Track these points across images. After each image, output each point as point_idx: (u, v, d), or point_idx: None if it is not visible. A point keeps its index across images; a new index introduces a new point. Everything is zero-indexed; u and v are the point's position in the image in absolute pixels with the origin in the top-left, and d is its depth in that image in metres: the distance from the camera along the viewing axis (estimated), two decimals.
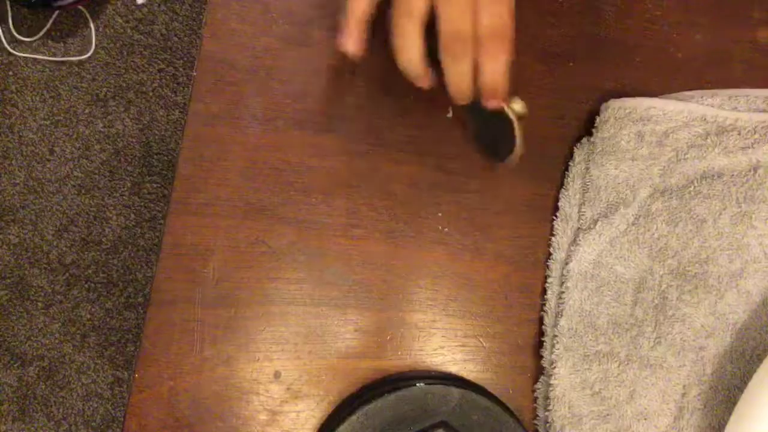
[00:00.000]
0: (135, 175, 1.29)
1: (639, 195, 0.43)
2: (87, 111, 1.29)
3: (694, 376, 0.42)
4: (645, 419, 0.41)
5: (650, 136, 0.43)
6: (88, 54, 1.29)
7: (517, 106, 0.41)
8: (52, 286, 1.26)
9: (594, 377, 0.42)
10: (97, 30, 1.30)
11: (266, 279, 0.42)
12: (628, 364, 0.42)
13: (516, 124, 0.42)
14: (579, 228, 0.44)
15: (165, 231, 0.42)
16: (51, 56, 1.29)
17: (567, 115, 0.46)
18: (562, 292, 0.43)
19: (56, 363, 1.26)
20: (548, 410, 0.42)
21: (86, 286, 1.27)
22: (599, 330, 0.42)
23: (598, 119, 0.44)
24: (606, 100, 0.44)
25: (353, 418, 0.39)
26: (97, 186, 1.28)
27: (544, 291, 0.44)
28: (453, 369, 0.43)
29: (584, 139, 0.45)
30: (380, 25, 0.40)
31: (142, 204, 1.29)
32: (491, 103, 0.39)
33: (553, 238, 0.44)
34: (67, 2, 1.21)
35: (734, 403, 0.39)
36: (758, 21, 0.48)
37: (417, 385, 0.40)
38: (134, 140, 1.30)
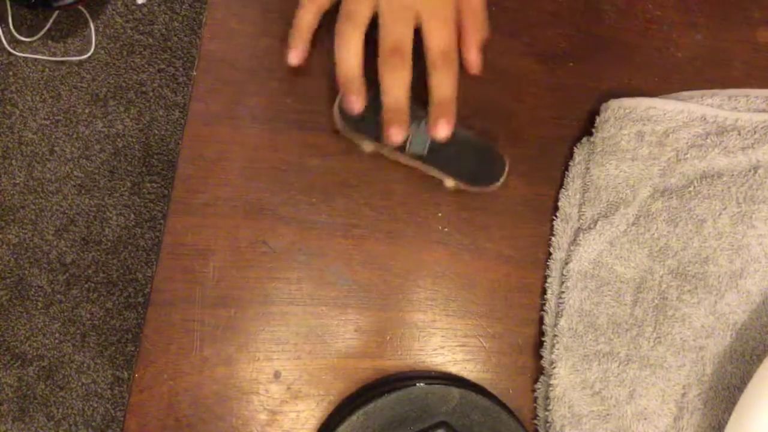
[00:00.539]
0: (135, 175, 1.29)
1: (639, 195, 0.43)
2: (87, 111, 1.29)
3: (694, 376, 0.42)
4: (645, 419, 0.41)
5: (650, 136, 0.43)
6: (88, 54, 1.29)
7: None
8: (52, 286, 1.26)
9: (594, 377, 0.42)
10: (97, 30, 1.30)
11: (266, 279, 0.42)
12: (628, 364, 0.42)
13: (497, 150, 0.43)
14: (579, 228, 0.44)
15: (165, 231, 0.42)
16: (51, 56, 1.29)
17: (567, 115, 0.46)
18: (562, 292, 0.43)
19: (56, 363, 1.26)
20: (548, 410, 0.42)
21: (86, 286, 1.27)
22: (599, 330, 0.42)
23: (598, 119, 0.44)
24: (606, 100, 0.44)
25: (353, 418, 0.39)
26: (97, 186, 1.28)
27: (544, 291, 0.44)
28: (453, 369, 0.43)
29: (584, 139, 0.45)
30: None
31: (142, 204, 1.29)
32: (440, 129, 0.40)
33: (553, 238, 0.44)
34: (67, 2, 1.21)
35: (734, 403, 0.39)
36: (758, 21, 0.48)
37: (417, 385, 0.40)
38: (134, 140, 1.30)
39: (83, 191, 1.28)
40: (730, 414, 0.40)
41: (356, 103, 0.41)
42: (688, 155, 0.43)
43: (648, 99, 0.43)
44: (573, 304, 0.42)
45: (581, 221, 0.44)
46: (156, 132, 1.30)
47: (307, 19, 0.43)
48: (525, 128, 0.46)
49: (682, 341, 0.41)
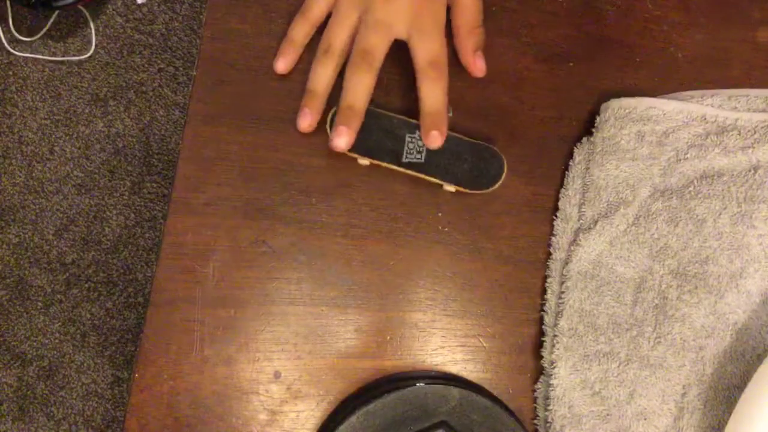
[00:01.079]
0: (135, 174, 1.29)
1: (639, 195, 0.43)
2: (87, 111, 1.29)
3: (694, 376, 0.42)
4: (645, 419, 0.41)
5: (650, 135, 0.43)
6: (88, 54, 1.29)
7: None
8: (52, 286, 1.26)
9: (594, 377, 0.42)
10: (97, 30, 1.30)
11: (266, 279, 0.42)
12: (628, 364, 0.42)
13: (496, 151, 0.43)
14: (579, 228, 0.44)
15: (165, 231, 0.42)
16: (51, 56, 1.29)
17: (567, 115, 0.46)
18: (562, 292, 0.43)
19: (56, 363, 1.26)
20: (548, 410, 0.42)
21: (86, 285, 1.27)
22: (599, 330, 0.42)
23: (598, 119, 0.44)
24: (606, 100, 0.44)
25: (353, 418, 0.39)
26: (97, 186, 1.28)
27: (544, 291, 0.44)
28: (453, 369, 0.43)
29: (584, 139, 0.45)
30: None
31: (142, 204, 1.29)
32: (432, 140, 0.41)
33: (553, 238, 0.44)
34: (67, 2, 1.21)
35: (734, 403, 0.39)
36: (758, 21, 0.48)
37: (417, 385, 0.40)
38: (134, 140, 1.30)
39: (83, 191, 1.28)
40: (730, 414, 0.40)
41: (307, 116, 0.42)
42: (688, 155, 0.43)
43: (648, 99, 0.43)
44: (573, 304, 0.42)
45: (581, 221, 0.44)
46: (156, 132, 1.30)
47: (300, 31, 0.44)
48: (525, 128, 0.46)
49: (682, 341, 0.41)
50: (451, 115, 0.43)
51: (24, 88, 1.28)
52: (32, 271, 1.26)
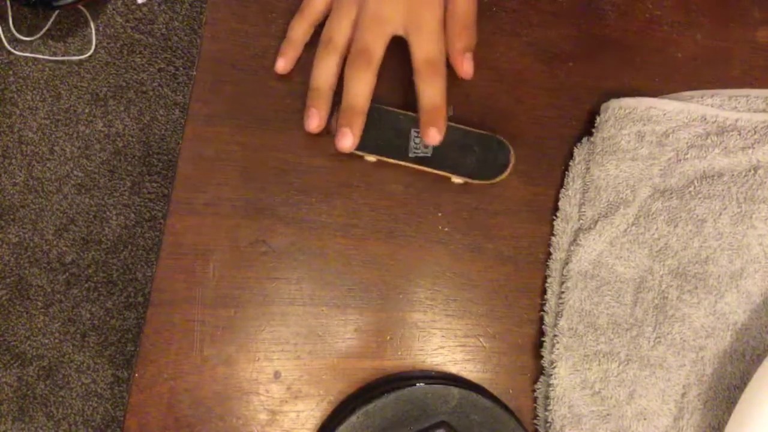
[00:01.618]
0: (135, 174, 1.29)
1: (639, 195, 0.43)
2: (87, 110, 1.29)
3: (694, 376, 0.42)
4: (645, 419, 0.41)
5: (650, 136, 0.43)
6: (88, 53, 1.29)
7: (449, 111, 0.43)
8: (52, 285, 1.26)
9: (594, 377, 0.42)
10: (97, 29, 1.30)
11: (266, 279, 0.42)
12: (628, 364, 0.42)
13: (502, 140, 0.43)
14: (579, 228, 0.44)
15: (165, 231, 0.42)
16: (51, 56, 1.29)
17: (567, 115, 0.46)
18: (562, 292, 0.43)
19: (56, 363, 1.26)
20: (548, 410, 0.42)
21: (86, 285, 1.27)
22: (599, 330, 0.42)
23: (598, 119, 0.44)
24: (606, 100, 0.44)
25: (353, 418, 0.39)
26: (97, 186, 1.28)
27: (544, 291, 0.44)
28: (453, 369, 0.43)
29: (584, 139, 0.45)
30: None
31: (142, 204, 1.29)
32: (431, 137, 0.41)
33: (553, 238, 0.44)
34: (68, 2, 1.21)
35: (734, 403, 0.39)
36: (758, 21, 0.48)
37: (417, 385, 0.40)
38: (134, 140, 1.30)
39: (83, 191, 1.28)
40: (730, 414, 0.40)
41: (314, 116, 0.42)
42: (688, 155, 0.43)
43: (648, 99, 0.43)
44: (573, 304, 0.42)
45: (581, 221, 0.44)
46: (156, 131, 1.30)
47: (299, 30, 0.44)
48: (525, 128, 0.46)
49: (682, 341, 0.41)
50: (452, 113, 0.43)
51: (24, 87, 1.28)
52: (32, 271, 1.26)
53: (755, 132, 0.42)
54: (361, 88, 0.41)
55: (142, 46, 1.30)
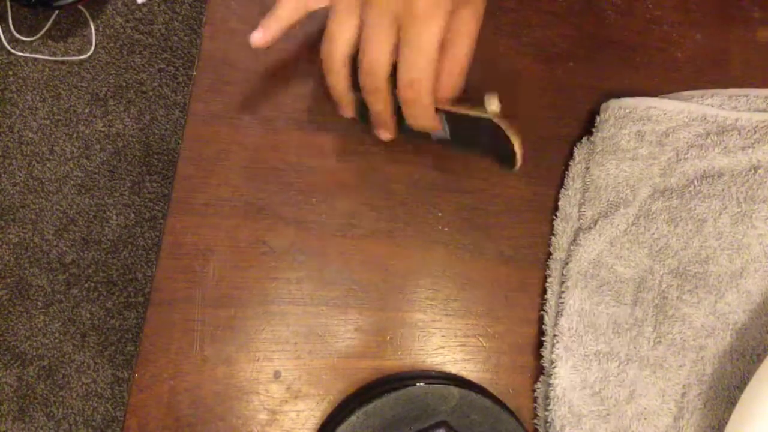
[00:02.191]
0: (135, 174, 1.29)
1: (639, 195, 0.43)
2: (87, 111, 1.29)
3: (694, 376, 0.42)
4: (645, 419, 0.41)
5: (650, 135, 0.43)
6: (88, 54, 1.29)
7: (494, 105, 0.39)
8: (52, 285, 1.26)
9: (594, 377, 0.42)
10: (97, 30, 1.30)
11: (266, 279, 0.42)
12: (628, 364, 0.42)
13: (507, 127, 0.40)
14: (579, 228, 0.44)
15: (165, 231, 0.42)
16: (51, 56, 1.29)
17: (567, 115, 0.46)
18: (562, 292, 0.43)
19: (56, 363, 1.26)
20: (548, 410, 0.42)
21: (86, 285, 1.27)
22: (599, 330, 0.42)
23: (598, 119, 0.44)
24: (606, 100, 0.44)
25: (353, 418, 0.39)
26: (97, 186, 1.28)
27: (544, 291, 0.44)
28: (453, 369, 0.43)
29: (584, 139, 0.45)
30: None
31: (142, 204, 1.29)
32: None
33: (553, 238, 0.44)
34: (67, 2, 1.21)
35: (734, 403, 0.39)
36: (758, 21, 0.48)
37: (417, 385, 0.40)
38: (134, 140, 1.30)
39: (83, 191, 1.28)
40: (730, 414, 0.40)
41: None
42: (689, 155, 0.43)
43: (648, 99, 0.43)
44: (573, 304, 0.42)
45: (581, 221, 0.44)
46: (156, 132, 1.30)
47: (288, 7, 0.39)
48: (525, 128, 0.46)
49: (682, 341, 0.41)
50: (497, 109, 0.40)
51: (24, 88, 1.28)
52: (32, 271, 1.26)
53: (755, 132, 0.42)
54: (380, 108, 0.39)
55: (142, 46, 1.30)
